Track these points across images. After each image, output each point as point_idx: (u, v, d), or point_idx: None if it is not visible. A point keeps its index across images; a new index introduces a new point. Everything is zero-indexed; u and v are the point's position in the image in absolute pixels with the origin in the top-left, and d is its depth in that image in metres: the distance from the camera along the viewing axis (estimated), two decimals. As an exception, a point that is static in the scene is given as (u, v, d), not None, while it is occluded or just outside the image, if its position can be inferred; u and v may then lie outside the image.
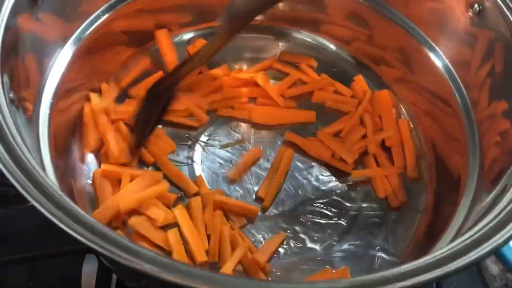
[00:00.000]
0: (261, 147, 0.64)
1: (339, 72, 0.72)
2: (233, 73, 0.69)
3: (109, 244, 0.34)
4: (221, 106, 0.66)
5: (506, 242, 0.38)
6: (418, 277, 0.35)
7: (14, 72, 0.48)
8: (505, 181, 0.47)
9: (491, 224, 0.40)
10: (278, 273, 0.55)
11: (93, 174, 0.58)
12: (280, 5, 0.72)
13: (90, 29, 0.61)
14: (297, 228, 0.58)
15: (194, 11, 0.70)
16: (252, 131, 0.66)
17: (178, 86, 0.59)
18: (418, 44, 0.64)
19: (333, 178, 0.62)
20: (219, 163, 0.62)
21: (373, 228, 0.59)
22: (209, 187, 0.60)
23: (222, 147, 0.64)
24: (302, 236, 0.58)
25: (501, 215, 0.40)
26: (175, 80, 0.58)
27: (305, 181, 0.62)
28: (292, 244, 0.57)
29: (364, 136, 0.65)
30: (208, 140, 0.64)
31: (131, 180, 0.56)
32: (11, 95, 0.46)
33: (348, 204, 0.60)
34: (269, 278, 0.54)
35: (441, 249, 0.38)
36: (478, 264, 0.63)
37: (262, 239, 0.57)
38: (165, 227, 0.55)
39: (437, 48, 0.63)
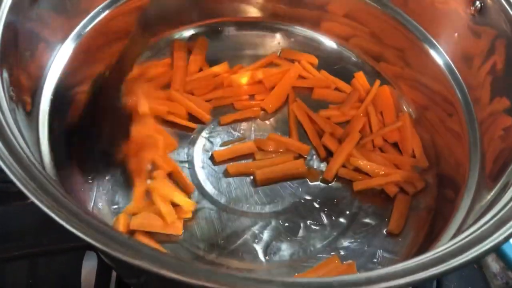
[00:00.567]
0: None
1: (339, 69, 0.72)
2: (233, 70, 0.69)
3: (107, 239, 0.34)
4: (221, 103, 0.67)
5: (506, 240, 0.38)
6: (417, 275, 0.35)
7: (14, 69, 0.48)
8: (506, 179, 0.46)
9: (491, 222, 0.40)
10: (276, 270, 0.55)
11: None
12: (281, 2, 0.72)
13: (91, 25, 0.61)
14: (296, 225, 0.58)
15: (195, 8, 0.70)
16: (253, 128, 0.66)
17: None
18: (419, 41, 0.64)
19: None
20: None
21: (373, 226, 0.59)
22: (210, 186, 0.60)
23: (223, 145, 0.64)
24: (302, 233, 0.57)
25: (502, 213, 0.40)
26: None
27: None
28: (291, 241, 0.57)
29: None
30: (208, 137, 0.64)
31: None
32: (11, 91, 0.46)
33: (349, 202, 0.60)
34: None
35: (441, 247, 0.38)
36: (478, 262, 0.63)
37: (262, 236, 0.57)
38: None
39: (438, 45, 0.63)
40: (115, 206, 0.57)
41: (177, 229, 0.56)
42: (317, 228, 0.58)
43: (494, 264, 0.63)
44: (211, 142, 0.64)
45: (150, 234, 0.55)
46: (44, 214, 0.35)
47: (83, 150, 0.59)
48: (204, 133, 0.64)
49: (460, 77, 0.61)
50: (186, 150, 0.63)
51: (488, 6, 0.55)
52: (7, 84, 0.46)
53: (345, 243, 0.57)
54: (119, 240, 0.34)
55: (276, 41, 0.74)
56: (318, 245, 0.57)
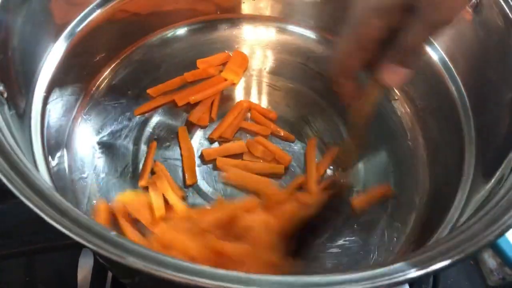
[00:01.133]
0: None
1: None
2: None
3: (98, 239, 0.34)
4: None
5: (500, 235, 0.38)
6: (412, 271, 0.35)
7: (4, 66, 0.48)
8: (500, 174, 0.46)
9: (486, 217, 0.40)
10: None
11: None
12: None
13: (83, 24, 0.61)
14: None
15: (189, 5, 0.70)
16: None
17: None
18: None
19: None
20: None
21: (368, 224, 0.58)
22: (206, 184, 0.60)
23: (219, 143, 0.63)
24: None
25: (496, 208, 0.40)
26: None
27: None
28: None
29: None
30: (204, 135, 0.64)
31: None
32: (1, 87, 0.45)
33: (343, 200, 0.60)
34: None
35: (435, 243, 0.38)
36: (475, 258, 0.63)
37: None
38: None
39: (433, 42, 0.63)
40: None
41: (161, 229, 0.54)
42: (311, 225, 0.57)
43: (490, 260, 0.63)
44: (207, 140, 0.63)
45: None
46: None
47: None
48: (200, 132, 0.64)
49: (455, 73, 0.61)
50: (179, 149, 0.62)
51: (484, 2, 0.55)
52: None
53: (340, 241, 0.57)
54: (109, 239, 0.34)
55: (270, 38, 0.74)
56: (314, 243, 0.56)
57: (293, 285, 0.33)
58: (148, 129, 0.63)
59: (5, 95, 0.46)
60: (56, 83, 0.57)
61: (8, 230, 0.56)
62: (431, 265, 0.35)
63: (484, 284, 0.62)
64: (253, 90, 0.69)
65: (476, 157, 0.55)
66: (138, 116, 0.64)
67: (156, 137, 0.63)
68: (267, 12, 0.74)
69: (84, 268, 0.57)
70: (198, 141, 0.63)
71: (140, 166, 0.60)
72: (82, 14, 0.61)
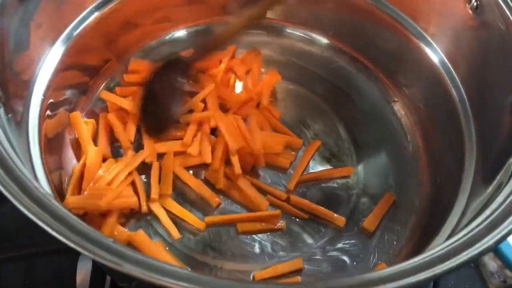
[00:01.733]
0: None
1: (336, 68, 0.71)
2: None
3: (94, 246, 0.34)
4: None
5: (501, 241, 0.38)
6: (411, 277, 0.35)
7: (1, 70, 0.48)
8: (500, 179, 0.46)
9: (485, 223, 0.40)
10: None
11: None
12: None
13: (81, 27, 0.61)
14: (292, 225, 0.58)
15: (187, 8, 0.70)
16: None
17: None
18: (414, 39, 0.64)
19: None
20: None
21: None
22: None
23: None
24: (297, 233, 0.57)
25: (496, 214, 0.40)
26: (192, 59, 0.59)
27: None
28: (287, 242, 0.56)
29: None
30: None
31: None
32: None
33: (343, 203, 0.60)
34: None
35: (435, 248, 0.38)
36: (475, 261, 0.63)
37: (257, 238, 0.57)
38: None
39: (433, 43, 0.63)
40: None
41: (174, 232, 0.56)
42: (312, 228, 0.58)
43: (491, 263, 0.63)
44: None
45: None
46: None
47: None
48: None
49: (455, 76, 0.61)
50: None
51: (484, 4, 0.54)
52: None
53: (339, 244, 0.57)
54: (107, 246, 0.34)
55: (269, 40, 0.74)
56: (313, 247, 0.56)
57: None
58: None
59: (2, 99, 0.46)
60: (54, 86, 0.57)
61: (6, 234, 0.56)
62: (429, 271, 0.35)
63: (485, 287, 0.62)
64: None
65: (477, 160, 0.54)
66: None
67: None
68: (267, 14, 0.73)
69: (83, 271, 0.56)
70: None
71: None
72: (79, 17, 0.61)
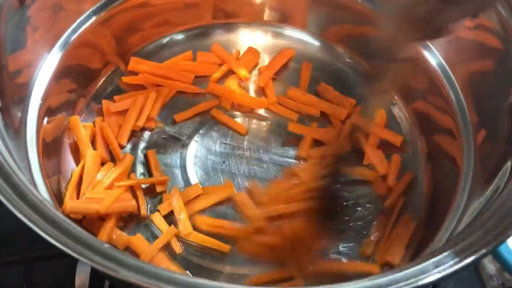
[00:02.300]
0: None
1: (335, 70, 0.71)
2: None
3: (91, 252, 0.34)
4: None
5: (499, 244, 0.38)
6: (408, 282, 0.35)
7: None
8: (497, 183, 0.46)
9: (484, 226, 0.40)
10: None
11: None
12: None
13: (79, 31, 0.61)
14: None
15: (185, 11, 0.70)
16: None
17: None
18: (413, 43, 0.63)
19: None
20: (212, 160, 0.62)
21: (367, 231, 0.58)
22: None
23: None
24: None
25: (494, 218, 0.40)
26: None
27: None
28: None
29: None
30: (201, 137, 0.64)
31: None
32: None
33: (342, 206, 0.60)
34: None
35: (432, 253, 0.38)
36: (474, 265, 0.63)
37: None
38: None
39: (431, 46, 0.63)
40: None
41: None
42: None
43: (490, 265, 0.63)
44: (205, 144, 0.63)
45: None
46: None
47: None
48: (196, 137, 0.64)
49: (453, 79, 0.61)
50: (178, 154, 0.62)
51: (481, 7, 0.54)
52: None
53: (340, 247, 0.57)
54: (104, 252, 0.34)
55: (267, 42, 0.74)
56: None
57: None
58: (145, 136, 0.63)
59: (0, 104, 0.46)
60: (52, 90, 0.57)
61: (5, 238, 0.56)
62: (426, 276, 0.35)
63: (484, 290, 0.62)
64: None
65: (475, 163, 0.54)
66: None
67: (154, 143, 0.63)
68: (264, 17, 0.73)
69: (82, 275, 0.56)
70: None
71: (138, 172, 0.60)
72: (77, 22, 0.61)
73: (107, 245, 0.35)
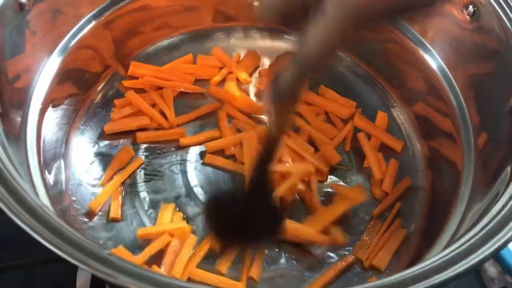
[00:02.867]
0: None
1: (335, 74, 0.71)
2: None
3: (88, 258, 0.34)
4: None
5: (499, 250, 0.38)
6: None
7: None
8: (497, 188, 0.46)
9: (483, 232, 0.40)
10: (268, 279, 0.54)
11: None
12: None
13: (79, 35, 0.61)
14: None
15: (184, 14, 0.70)
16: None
17: None
18: (413, 45, 0.64)
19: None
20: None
21: (360, 233, 0.57)
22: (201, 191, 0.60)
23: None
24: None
25: (493, 223, 0.40)
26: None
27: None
28: (284, 251, 0.56)
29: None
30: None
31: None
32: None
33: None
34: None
35: (433, 258, 0.38)
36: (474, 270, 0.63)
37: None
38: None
39: (431, 49, 0.63)
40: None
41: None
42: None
43: (491, 268, 0.62)
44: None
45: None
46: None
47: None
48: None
49: (453, 81, 0.60)
50: (179, 157, 0.62)
51: (481, 10, 0.54)
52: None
53: (340, 250, 0.56)
54: (103, 258, 0.34)
55: (268, 46, 0.73)
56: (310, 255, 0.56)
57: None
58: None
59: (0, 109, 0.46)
60: (53, 95, 0.57)
61: (5, 242, 0.56)
62: (432, 280, 0.36)
63: (485, 293, 0.62)
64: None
65: (475, 167, 0.54)
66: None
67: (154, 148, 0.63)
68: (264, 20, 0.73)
69: (83, 279, 0.56)
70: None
71: (138, 176, 0.60)
72: (77, 26, 0.61)
73: (106, 251, 0.35)
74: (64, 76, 0.59)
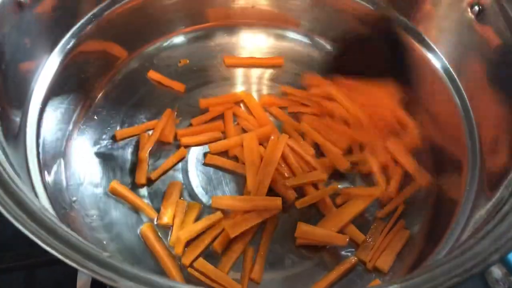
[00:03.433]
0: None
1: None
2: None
3: (88, 261, 0.34)
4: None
5: (502, 256, 0.38)
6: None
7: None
8: (501, 194, 0.46)
9: (486, 238, 0.39)
10: (270, 281, 0.54)
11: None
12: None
13: (79, 35, 0.61)
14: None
15: (185, 14, 0.70)
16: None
17: None
18: (417, 45, 0.64)
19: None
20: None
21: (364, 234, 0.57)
22: (203, 191, 0.59)
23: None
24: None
25: (496, 229, 0.40)
26: None
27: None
28: (286, 252, 0.55)
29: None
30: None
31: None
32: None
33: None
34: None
35: (438, 262, 0.38)
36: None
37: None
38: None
39: (436, 49, 0.62)
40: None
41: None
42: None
43: (496, 270, 0.62)
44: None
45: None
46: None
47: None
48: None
49: (458, 81, 0.60)
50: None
51: (487, 10, 0.54)
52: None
53: (341, 252, 0.56)
54: (103, 262, 0.34)
55: (269, 45, 0.73)
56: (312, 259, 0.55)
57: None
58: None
59: (-1, 111, 0.46)
60: (52, 94, 0.57)
61: (6, 243, 0.56)
62: (436, 285, 0.35)
63: (490, 294, 0.61)
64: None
65: (480, 171, 0.54)
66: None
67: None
68: (266, 19, 0.73)
69: (83, 280, 0.56)
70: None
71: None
72: (77, 25, 0.61)
73: (106, 254, 0.35)
74: (64, 76, 0.59)
